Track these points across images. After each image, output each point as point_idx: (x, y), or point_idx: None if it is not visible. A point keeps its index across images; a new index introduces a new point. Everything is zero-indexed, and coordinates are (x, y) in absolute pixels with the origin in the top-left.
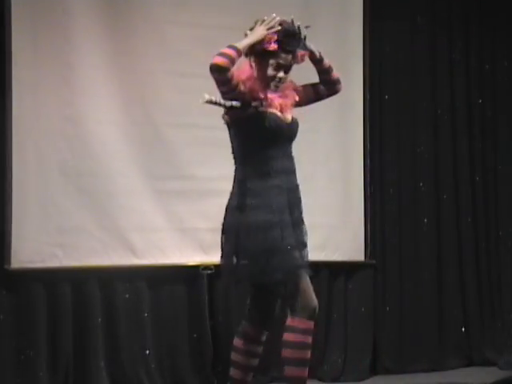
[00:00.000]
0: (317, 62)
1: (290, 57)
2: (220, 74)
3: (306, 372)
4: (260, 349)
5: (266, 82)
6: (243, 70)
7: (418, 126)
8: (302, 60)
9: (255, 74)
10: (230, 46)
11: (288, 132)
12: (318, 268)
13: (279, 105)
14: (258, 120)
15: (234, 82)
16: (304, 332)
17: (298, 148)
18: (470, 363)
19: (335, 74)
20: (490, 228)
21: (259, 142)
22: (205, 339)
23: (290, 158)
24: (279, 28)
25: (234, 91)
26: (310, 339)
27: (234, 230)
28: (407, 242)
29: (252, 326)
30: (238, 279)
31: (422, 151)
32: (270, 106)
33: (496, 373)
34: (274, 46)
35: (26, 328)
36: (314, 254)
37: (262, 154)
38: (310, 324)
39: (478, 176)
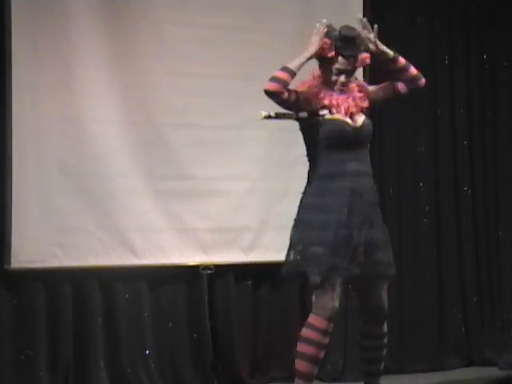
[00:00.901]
0: (390, 61)
1: (349, 61)
2: (274, 98)
3: (308, 367)
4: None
5: (331, 87)
6: (308, 78)
7: (418, 126)
8: (364, 63)
9: (320, 80)
10: (283, 69)
11: (355, 136)
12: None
13: (346, 109)
14: (323, 126)
15: (292, 98)
16: (316, 329)
17: (298, 148)
18: (469, 363)
19: (413, 70)
20: (489, 228)
21: (323, 147)
22: (205, 339)
23: (362, 161)
24: (335, 34)
25: (296, 105)
26: (320, 338)
27: (296, 226)
28: (407, 242)
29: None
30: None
31: (422, 151)
32: (337, 111)
33: (496, 373)
34: (331, 53)
35: (26, 328)
36: None
37: (325, 158)
38: (323, 323)
39: (478, 176)
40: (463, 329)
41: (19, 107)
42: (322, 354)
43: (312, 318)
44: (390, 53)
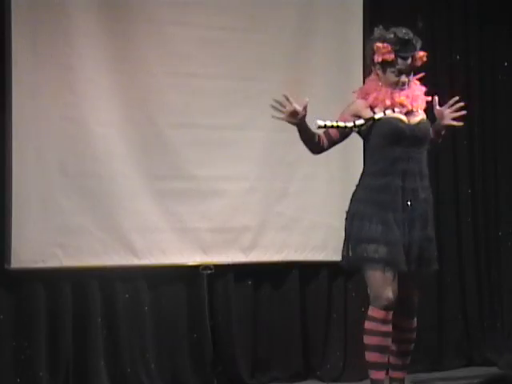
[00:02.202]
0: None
1: (408, 61)
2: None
3: (378, 357)
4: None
5: (392, 88)
6: (370, 82)
7: None
8: (422, 60)
9: (381, 83)
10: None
11: (411, 135)
12: (317, 268)
13: (405, 107)
14: (379, 125)
15: (329, 143)
16: (375, 320)
17: (298, 148)
18: (469, 363)
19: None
20: (489, 228)
21: (379, 145)
22: (205, 339)
23: (416, 161)
24: (391, 37)
25: (337, 141)
26: (380, 327)
27: (350, 219)
28: None
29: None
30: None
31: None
32: (396, 109)
33: (496, 373)
34: (390, 56)
35: (26, 328)
36: (314, 254)
37: (379, 156)
38: (381, 313)
39: (478, 176)
40: (463, 329)
41: (19, 107)
42: (387, 342)
43: (370, 310)
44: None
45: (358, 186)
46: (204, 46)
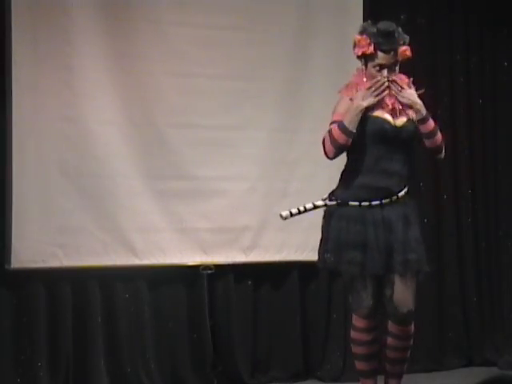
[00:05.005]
0: (420, 122)
1: (390, 55)
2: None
3: (361, 365)
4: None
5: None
6: (353, 77)
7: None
8: (405, 55)
9: (365, 78)
10: (341, 128)
11: (393, 135)
12: (317, 268)
13: (392, 105)
14: (366, 125)
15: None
16: (357, 329)
17: (298, 148)
18: (469, 363)
19: (437, 139)
20: (489, 228)
21: (364, 144)
22: (205, 339)
23: (395, 161)
24: (372, 30)
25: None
26: (364, 336)
27: (327, 218)
28: None
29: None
30: None
31: (422, 151)
32: (382, 108)
33: (496, 373)
34: (370, 49)
35: (26, 328)
36: (314, 254)
37: (358, 153)
38: (361, 322)
39: (478, 176)
40: (463, 329)
41: (19, 107)
42: (371, 350)
43: (353, 318)
44: (423, 112)
45: (339, 183)
46: (204, 46)
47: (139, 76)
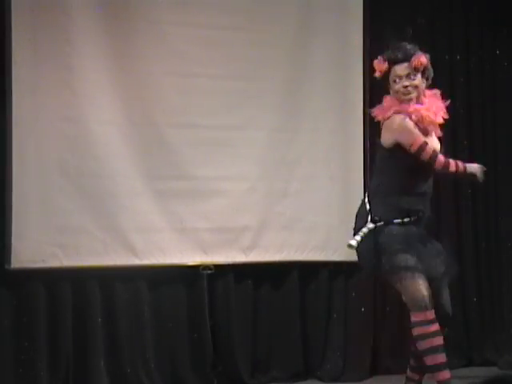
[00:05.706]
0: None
1: (404, 65)
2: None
3: (437, 358)
4: None
5: (398, 96)
6: (385, 99)
7: None
8: (420, 63)
9: (395, 98)
10: (456, 163)
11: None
12: (317, 268)
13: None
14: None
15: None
16: (419, 324)
17: (298, 148)
18: (469, 363)
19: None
20: (489, 228)
21: (410, 164)
22: (205, 339)
23: (429, 182)
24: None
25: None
26: (427, 328)
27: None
28: None
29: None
30: None
31: None
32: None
33: (496, 373)
34: (385, 66)
35: (26, 328)
36: (314, 254)
37: (406, 174)
38: (422, 315)
39: None
40: (463, 329)
41: (19, 107)
42: (438, 341)
43: (412, 316)
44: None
45: (384, 204)
46: (204, 46)
47: (139, 76)
